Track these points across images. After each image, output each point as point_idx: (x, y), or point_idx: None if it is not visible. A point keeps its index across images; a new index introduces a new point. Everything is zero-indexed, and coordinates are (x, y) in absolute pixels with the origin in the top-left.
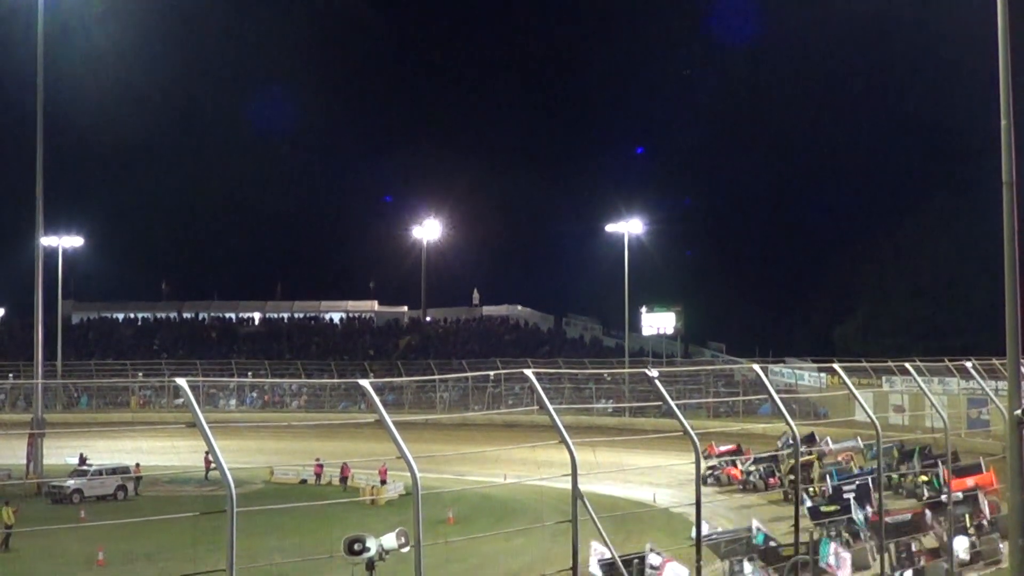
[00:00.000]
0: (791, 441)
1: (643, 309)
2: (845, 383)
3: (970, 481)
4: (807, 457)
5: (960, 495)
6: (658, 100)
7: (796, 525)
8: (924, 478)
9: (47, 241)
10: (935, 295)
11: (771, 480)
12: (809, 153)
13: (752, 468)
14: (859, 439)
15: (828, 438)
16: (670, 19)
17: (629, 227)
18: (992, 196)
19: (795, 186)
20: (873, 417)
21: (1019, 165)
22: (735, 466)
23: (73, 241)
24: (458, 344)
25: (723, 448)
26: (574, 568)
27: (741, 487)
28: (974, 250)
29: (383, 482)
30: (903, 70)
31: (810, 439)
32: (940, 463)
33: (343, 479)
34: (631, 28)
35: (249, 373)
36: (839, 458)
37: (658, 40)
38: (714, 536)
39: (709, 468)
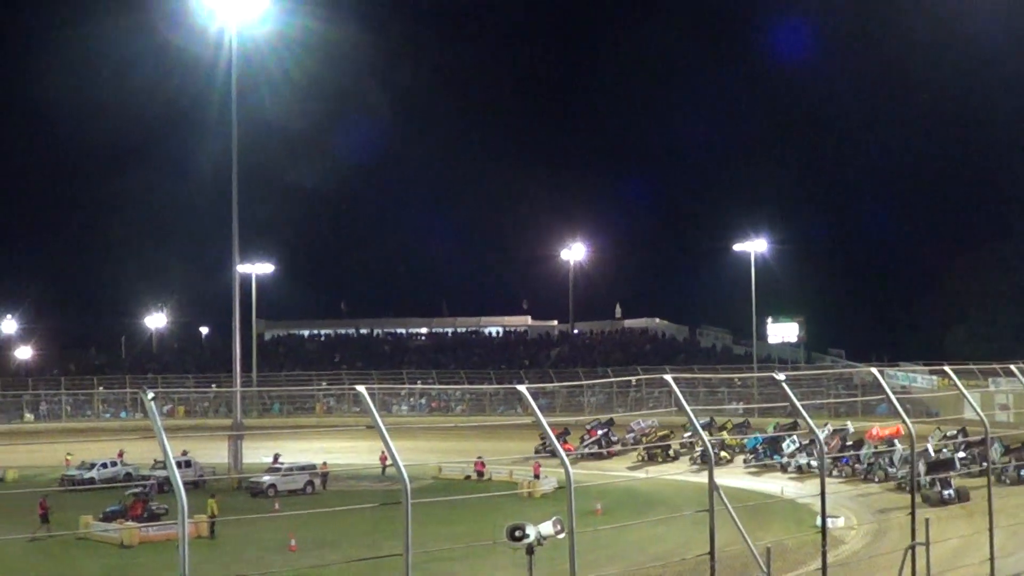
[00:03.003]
0: (904, 437)
1: (769, 320)
2: (956, 384)
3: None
4: (661, 431)
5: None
6: (782, 134)
7: (912, 507)
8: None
9: (242, 269)
10: None
11: (610, 450)
12: (920, 173)
13: (590, 441)
14: (656, 420)
15: (640, 420)
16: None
17: (755, 246)
18: None
19: (908, 204)
20: (981, 414)
21: None
22: (566, 443)
23: (264, 268)
24: (603, 353)
25: (557, 431)
26: (711, 553)
27: (579, 455)
28: None
29: (536, 476)
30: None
31: (610, 423)
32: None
33: (479, 473)
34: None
35: (419, 381)
36: (645, 431)
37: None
38: None
39: (542, 443)
